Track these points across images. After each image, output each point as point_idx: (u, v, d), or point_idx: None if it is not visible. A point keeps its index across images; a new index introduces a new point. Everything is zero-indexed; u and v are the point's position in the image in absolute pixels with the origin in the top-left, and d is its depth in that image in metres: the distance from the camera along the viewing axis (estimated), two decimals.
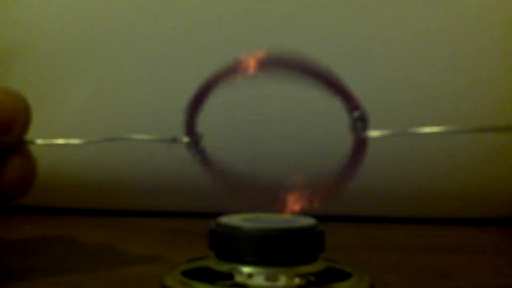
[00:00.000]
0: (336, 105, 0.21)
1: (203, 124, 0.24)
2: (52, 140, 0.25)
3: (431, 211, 0.39)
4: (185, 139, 0.23)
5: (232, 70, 0.21)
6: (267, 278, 0.21)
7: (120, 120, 0.39)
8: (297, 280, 0.21)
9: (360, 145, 0.21)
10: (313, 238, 0.22)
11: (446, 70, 0.37)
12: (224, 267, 0.22)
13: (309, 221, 0.22)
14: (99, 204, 0.41)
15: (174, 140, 0.24)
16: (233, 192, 0.24)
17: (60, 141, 0.26)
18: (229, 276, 0.21)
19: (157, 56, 0.39)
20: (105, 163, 0.39)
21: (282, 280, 0.21)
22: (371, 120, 0.21)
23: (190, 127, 0.23)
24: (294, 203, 0.22)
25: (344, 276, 0.22)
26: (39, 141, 0.25)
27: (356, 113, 0.21)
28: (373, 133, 0.21)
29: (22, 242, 0.32)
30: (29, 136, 0.25)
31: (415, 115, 0.37)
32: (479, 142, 0.37)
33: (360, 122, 0.21)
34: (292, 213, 0.22)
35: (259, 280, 0.21)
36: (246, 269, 0.21)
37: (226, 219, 0.23)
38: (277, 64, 0.21)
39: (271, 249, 0.21)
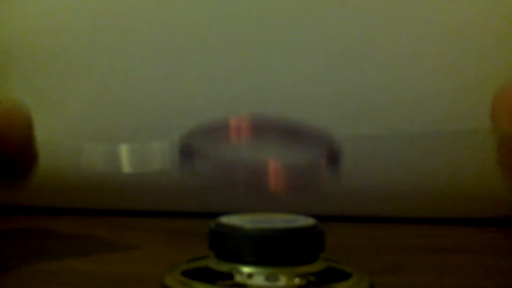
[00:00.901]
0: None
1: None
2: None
3: (431, 211, 0.39)
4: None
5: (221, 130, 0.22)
6: (267, 278, 0.21)
7: (121, 121, 0.39)
8: (297, 280, 0.21)
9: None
10: (313, 238, 0.22)
11: (445, 70, 0.37)
12: (224, 267, 0.22)
13: (309, 221, 0.22)
14: (99, 204, 0.41)
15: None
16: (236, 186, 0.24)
17: None
18: (229, 276, 0.21)
19: (158, 55, 0.39)
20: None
21: (282, 280, 0.21)
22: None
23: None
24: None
25: (344, 276, 0.22)
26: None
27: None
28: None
29: (22, 242, 0.32)
30: None
31: (413, 116, 0.37)
32: (479, 142, 0.37)
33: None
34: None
35: (259, 280, 0.21)
36: (246, 269, 0.21)
37: (226, 219, 0.23)
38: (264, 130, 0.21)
39: (271, 249, 0.21)
